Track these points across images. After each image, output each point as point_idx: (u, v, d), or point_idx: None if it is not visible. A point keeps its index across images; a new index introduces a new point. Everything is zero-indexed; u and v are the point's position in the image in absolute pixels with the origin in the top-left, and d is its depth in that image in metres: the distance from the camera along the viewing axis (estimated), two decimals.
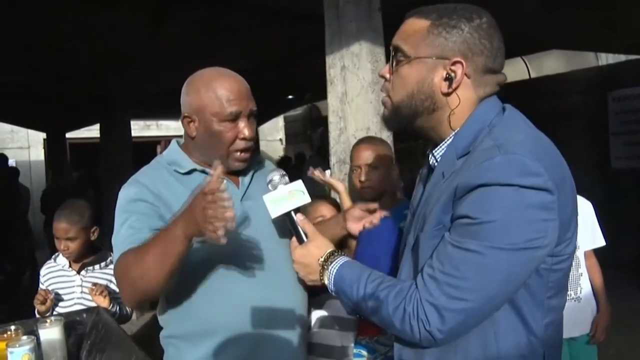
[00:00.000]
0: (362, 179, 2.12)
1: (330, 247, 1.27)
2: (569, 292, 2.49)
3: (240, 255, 1.52)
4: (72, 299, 2.47)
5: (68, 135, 10.54)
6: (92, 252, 2.56)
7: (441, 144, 1.18)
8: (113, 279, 2.55)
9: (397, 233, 1.90)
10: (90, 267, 2.52)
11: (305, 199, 1.33)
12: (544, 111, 7.18)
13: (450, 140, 1.16)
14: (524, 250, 1.02)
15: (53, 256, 2.60)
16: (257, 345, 1.52)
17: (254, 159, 1.69)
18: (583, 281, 2.53)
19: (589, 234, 2.55)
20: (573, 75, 7.38)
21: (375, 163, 2.13)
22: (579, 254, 2.53)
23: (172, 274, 1.34)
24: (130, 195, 1.50)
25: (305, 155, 10.53)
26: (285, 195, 1.32)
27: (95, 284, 2.38)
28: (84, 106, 8.30)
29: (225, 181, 1.22)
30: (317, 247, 1.28)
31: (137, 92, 7.45)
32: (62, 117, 9.34)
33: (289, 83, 8.11)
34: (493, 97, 1.17)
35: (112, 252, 2.58)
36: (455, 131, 1.15)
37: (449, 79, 1.12)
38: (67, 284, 2.50)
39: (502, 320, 1.09)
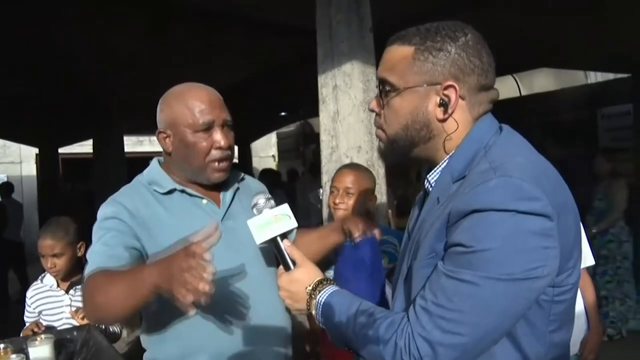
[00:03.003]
0: (337, 201, 2.16)
1: (319, 275, 1.19)
2: None
3: (221, 278, 1.47)
4: (61, 319, 2.43)
5: (61, 150, 10.52)
6: (80, 269, 2.48)
7: (435, 168, 1.12)
8: None
9: (374, 260, 1.89)
10: (79, 286, 2.46)
11: (292, 223, 1.27)
12: (535, 128, 7.27)
13: (445, 163, 1.10)
14: (523, 281, 0.94)
15: (40, 277, 2.55)
16: None
17: (235, 175, 1.66)
18: None
19: None
20: (563, 93, 7.48)
21: (353, 190, 2.16)
22: None
23: (134, 311, 1.34)
24: (107, 214, 1.48)
25: (298, 171, 10.54)
26: (271, 220, 1.25)
27: (77, 309, 2.35)
28: (77, 121, 8.30)
29: (209, 252, 1.16)
30: (305, 275, 1.19)
31: (130, 107, 7.46)
32: (54, 132, 9.33)
33: (283, 97, 8.15)
34: (488, 115, 1.11)
35: None
36: (450, 154, 1.09)
37: (443, 105, 1.06)
38: (56, 304, 2.45)
39: (500, 355, 1.02)
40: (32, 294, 2.48)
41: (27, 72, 5.84)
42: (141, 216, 1.47)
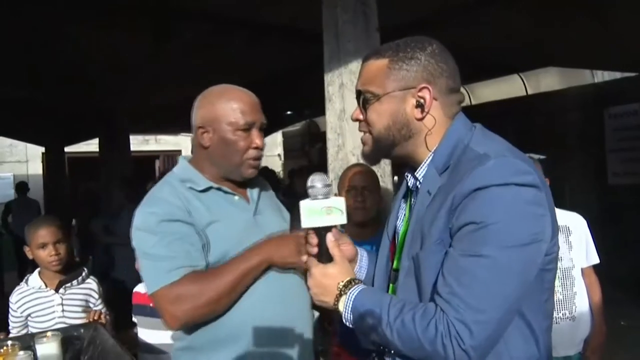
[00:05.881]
0: (359, 199, 2.14)
1: (352, 275, 1.26)
2: (563, 312, 2.49)
3: None
4: (54, 319, 2.39)
5: (67, 149, 10.56)
6: (68, 269, 2.50)
7: (422, 165, 1.23)
8: (92, 293, 2.53)
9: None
10: (68, 284, 2.46)
11: (342, 219, 1.26)
12: (542, 127, 7.23)
13: (430, 159, 1.22)
14: (531, 245, 1.06)
15: (24, 280, 2.49)
16: (271, 354, 1.58)
17: (258, 177, 1.76)
18: (578, 300, 2.51)
19: (584, 251, 2.54)
20: (570, 92, 7.44)
21: (371, 187, 2.17)
22: (575, 272, 2.52)
23: (237, 297, 1.52)
24: (158, 215, 1.53)
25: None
26: (323, 211, 1.25)
27: (94, 312, 2.35)
28: (84, 120, 8.34)
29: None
30: (339, 272, 1.24)
31: (137, 107, 7.49)
32: (61, 131, 9.37)
33: (288, 99, 8.16)
34: (461, 114, 1.24)
35: (85, 268, 2.53)
36: (433, 150, 1.21)
37: (420, 106, 1.19)
38: (46, 304, 2.41)
39: (511, 327, 1.11)
40: (17, 298, 2.41)
41: (34, 75, 5.87)
42: (187, 209, 1.55)
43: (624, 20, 4.37)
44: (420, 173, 1.24)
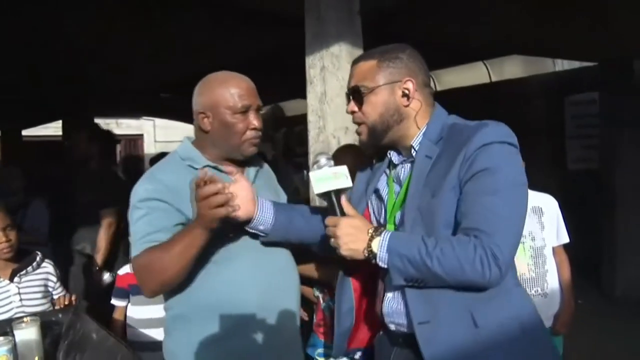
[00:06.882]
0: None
1: (370, 225, 1.46)
2: (536, 289, 2.59)
3: (246, 244, 1.72)
4: (12, 309, 2.31)
5: (24, 132, 10.17)
6: (21, 258, 2.43)
7: (415, 137, 1.52)
8: (50, 277, 2.48)
9: None
10: (23, 272, 2.38)
11: (347, 182, 1.46)
12: (505, 113, 7.37)
13: (423, 131, 1.51)
14: (525, 186, 1.44)
15: None
16: (260, 323, 1.70)
17: (257, 159, 1.89)
18: (549, 277, 2.62)
19: (555, 230, 2.65)
20: (532, 80, 7.63)
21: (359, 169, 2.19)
22: (546, 251, 2.62)
23: (190, 266, 1.57)
24: (149, 192, 1.65)
25: (266, 155, 10.42)
26: (330, 176, 1.45)
27: (61, 297, 2.31)
28: (45, 101, 8.02)
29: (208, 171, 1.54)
30: (363, 222, 1.46)
31: (103, 89, 7.25)
32: (19, 113, 8.97)
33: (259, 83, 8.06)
34: (438, 105, 1.58)
35: (39, 252, 2.51)
36: (425, 124, 1.52)
37: (405, 95, 1.50)
38: (2, 295, 2.33)
39: (510, 273, 1.44)
40: None
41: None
42: (178, 190, 1.66)
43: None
44: (415, 142, 1.52)
